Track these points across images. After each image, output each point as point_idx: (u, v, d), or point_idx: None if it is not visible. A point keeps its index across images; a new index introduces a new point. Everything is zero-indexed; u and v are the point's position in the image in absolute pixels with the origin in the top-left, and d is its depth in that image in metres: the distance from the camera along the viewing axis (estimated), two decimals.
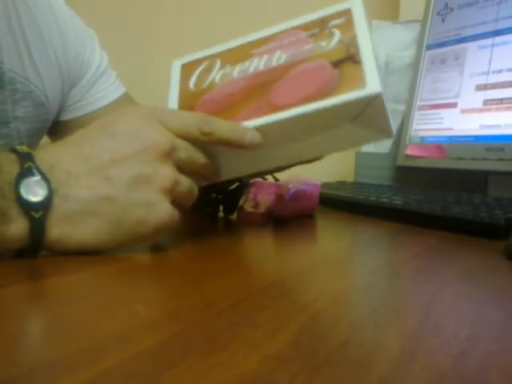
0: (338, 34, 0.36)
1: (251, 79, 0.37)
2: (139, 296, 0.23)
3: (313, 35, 0.37)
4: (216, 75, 0.38)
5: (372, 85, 0.33)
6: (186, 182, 0.32)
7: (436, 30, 0.72)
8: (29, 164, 0.27)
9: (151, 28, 1.03)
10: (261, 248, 0.37)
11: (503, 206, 0.45)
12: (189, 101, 0.38)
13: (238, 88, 0.37)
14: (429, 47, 0.73)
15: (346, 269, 0.31)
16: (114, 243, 0.30)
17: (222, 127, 0.33)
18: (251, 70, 0.37)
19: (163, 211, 0.30)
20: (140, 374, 0.15)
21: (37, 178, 0.27)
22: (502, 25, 0.63)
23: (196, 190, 0.33)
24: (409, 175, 0.74)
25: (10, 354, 0.16)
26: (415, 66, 0.74)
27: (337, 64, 0.35)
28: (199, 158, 0.33)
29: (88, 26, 0.58)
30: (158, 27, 1.04)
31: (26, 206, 0.27)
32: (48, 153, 0.29)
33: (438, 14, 0.72)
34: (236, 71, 0.38)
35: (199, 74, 0.39)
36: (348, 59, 0.35)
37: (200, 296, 0.23)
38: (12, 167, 0.27)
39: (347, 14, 0.37)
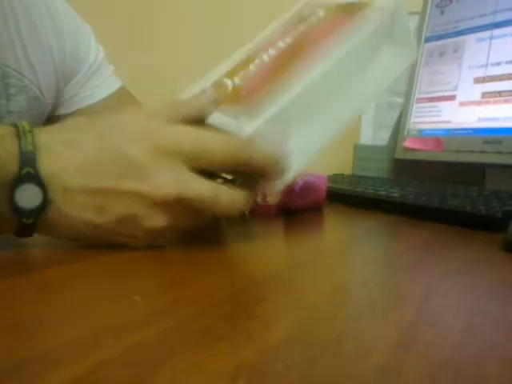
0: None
1: (274, 61, 0.35)
2: (136, 287, 0.23)
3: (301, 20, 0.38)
4: (233, 83, 0.35)
5: None
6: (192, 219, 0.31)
7: (435, 23, 0.71)
8: (28, 170, 0.27)
9: (150, 22, 1.03)
10: (258, 241, 0.37)
11: (500, 198, 0.45)
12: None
13: (268, 70, 0.35)
14: (427, 40, 0.72)
15: (344, 260, 0.31)
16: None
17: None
18: (265, 59, 0.36)
19: (142, 242, 0.30)
20: (136, 364, 0.15)
21: (34, 186, 0.27)
22: (500, 17, 0.63)
23: (238, 202, 0.30)
24: (407, 168, 0.74)
25: (2, 345, 0.16)
26: None
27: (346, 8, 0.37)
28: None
29: (85, 20, 0.58)
30: (156, 22, 1.03)
31: (18, 212, 0.27)
32: (51, 155, 0.28)
33: (437, 6, 0.71)
34: (251, 68, 0.36)
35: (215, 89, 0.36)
36: None
37: (197, 287, 0.23)
38: (11, 168, 0.27)
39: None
